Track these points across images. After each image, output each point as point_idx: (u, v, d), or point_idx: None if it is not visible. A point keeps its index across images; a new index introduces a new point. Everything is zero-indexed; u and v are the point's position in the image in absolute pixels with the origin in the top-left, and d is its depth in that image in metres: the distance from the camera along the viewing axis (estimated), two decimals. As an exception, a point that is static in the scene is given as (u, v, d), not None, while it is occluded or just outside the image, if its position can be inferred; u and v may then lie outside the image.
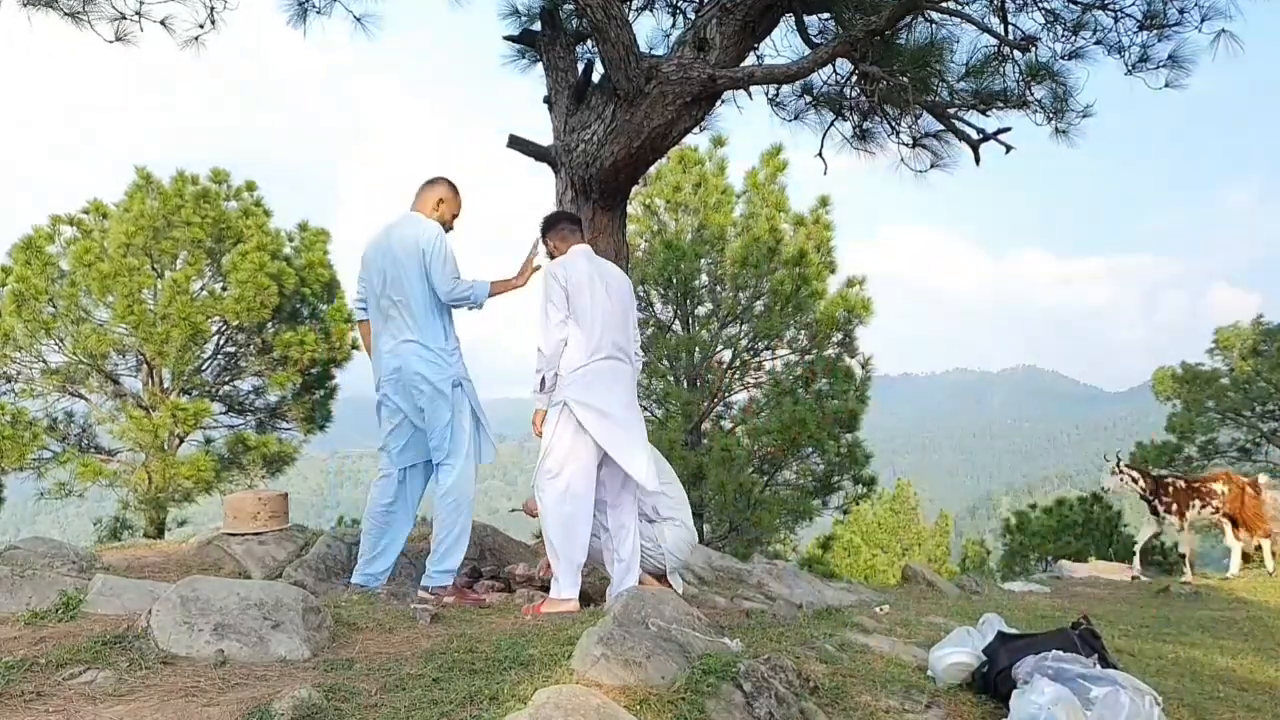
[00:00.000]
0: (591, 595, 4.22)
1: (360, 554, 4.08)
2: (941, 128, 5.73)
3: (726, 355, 13.81)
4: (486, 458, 4.09)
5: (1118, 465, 8.69)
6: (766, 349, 13.73)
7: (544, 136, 5.48)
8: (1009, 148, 5.47)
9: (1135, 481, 8.58)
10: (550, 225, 4.13)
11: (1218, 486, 8.35)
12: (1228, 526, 8.40)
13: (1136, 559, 8.88)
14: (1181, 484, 8.47)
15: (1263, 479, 8.56)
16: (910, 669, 2.99)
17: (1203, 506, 8.31)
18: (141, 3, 5.54)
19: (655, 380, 13.70)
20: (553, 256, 4.06)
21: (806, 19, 5.67)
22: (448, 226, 4.10)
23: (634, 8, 6.28)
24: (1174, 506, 8.32)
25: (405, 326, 3.91)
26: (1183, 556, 8.51)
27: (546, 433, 3.82)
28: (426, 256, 3.86)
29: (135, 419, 12.85)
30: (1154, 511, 8.49)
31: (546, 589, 3.98)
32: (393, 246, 3.95)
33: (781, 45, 5.94)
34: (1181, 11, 5.24)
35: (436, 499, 4.00)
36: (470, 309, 4.03)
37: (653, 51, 5.73)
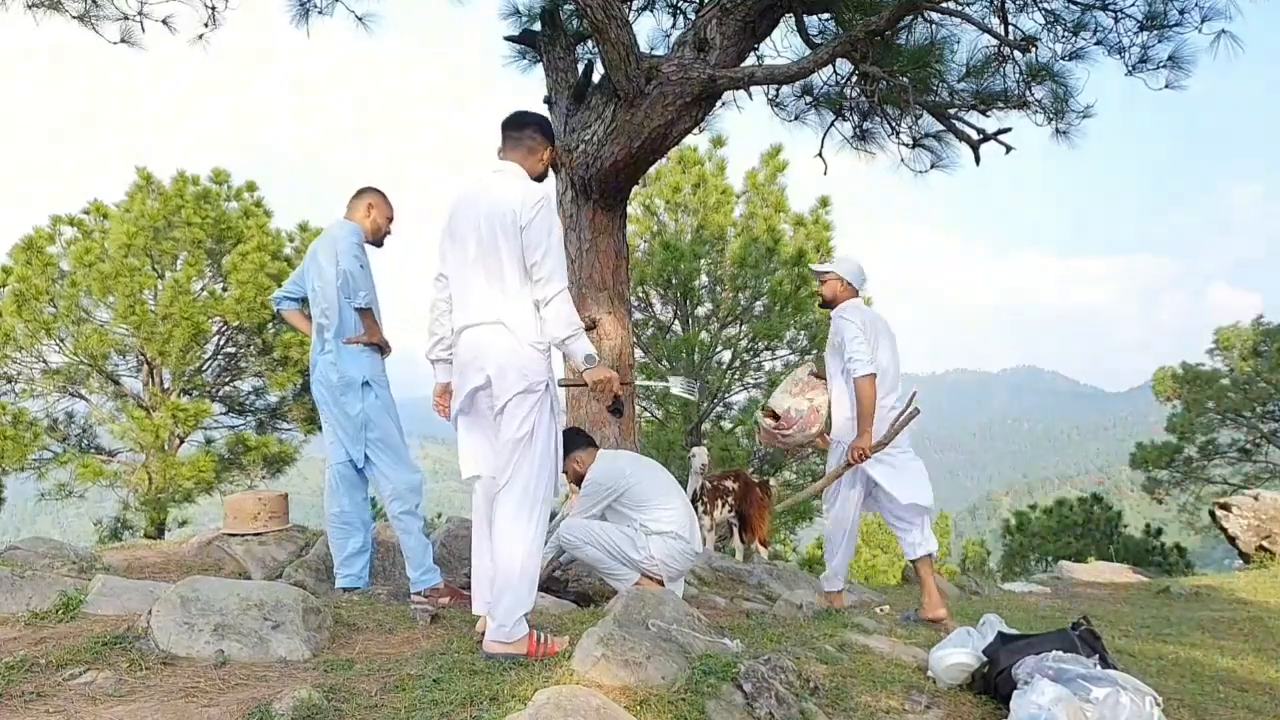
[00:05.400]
0: (592, 595, 4.22)
1: (335, 557, 3.95)
2: (941, 128, 5.73)
3: (726, 355, 13.82)
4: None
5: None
6: (766, 349, 13.75)
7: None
8: (1009, 148, 5.47)
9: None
10: None
11: (728, 483, 7.93)
12: (735, 526, 7.94)
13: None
14: (709, 484, 7.99)
15: (772, 482, 7.92)
16: (910, 669, 2.99)
17: (724, 506, 7.85)
18: (144, 3, 5.55)
19: (654, 381, 13.69)
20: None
21: (806, 19, 5.67)
22: (382, 233, 4.01)
23: (634, 8, 6.28)
24: (706, 507, 7.92)
25: (321, 329, 3.86)
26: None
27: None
28: (336, 257, 3.75)
29: (136, 419, 12.85)
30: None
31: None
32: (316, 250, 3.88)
33: (781, 45, 5.96)
34: (1182, 12, 5.25)
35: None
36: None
37: (653, 51, 5.73)
